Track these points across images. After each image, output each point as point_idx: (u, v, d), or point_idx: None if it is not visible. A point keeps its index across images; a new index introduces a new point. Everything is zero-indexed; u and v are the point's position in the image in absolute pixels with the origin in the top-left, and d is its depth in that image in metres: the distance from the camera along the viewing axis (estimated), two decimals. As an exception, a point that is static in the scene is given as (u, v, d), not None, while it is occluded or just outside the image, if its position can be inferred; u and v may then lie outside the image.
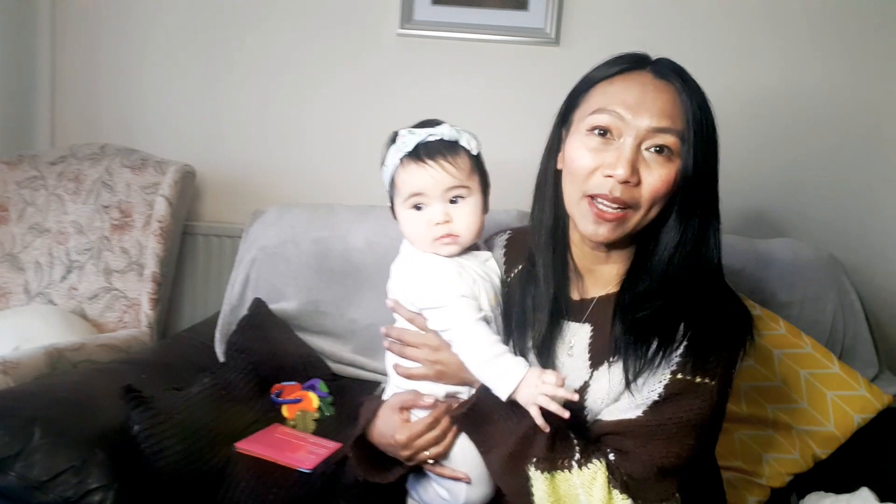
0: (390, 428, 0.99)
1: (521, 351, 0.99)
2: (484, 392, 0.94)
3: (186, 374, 1.45)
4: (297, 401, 1.40)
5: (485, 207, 1.02)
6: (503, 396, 0.90)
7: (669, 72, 0.93)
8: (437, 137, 0.98)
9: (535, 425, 0.89)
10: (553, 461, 0.89)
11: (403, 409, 1.00)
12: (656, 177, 0.89)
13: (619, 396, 0.93)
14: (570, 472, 0.88)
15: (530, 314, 1.00)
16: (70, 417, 1.15)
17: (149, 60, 2.00)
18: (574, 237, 1.01)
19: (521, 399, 0.89)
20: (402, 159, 0.99)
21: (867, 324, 1.61)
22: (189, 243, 2.00)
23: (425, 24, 1.90)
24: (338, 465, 1.21)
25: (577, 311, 1.00)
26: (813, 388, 1.39)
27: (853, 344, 1.58)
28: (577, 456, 0.89)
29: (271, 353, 1.52)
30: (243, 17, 1.96)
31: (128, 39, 1.99)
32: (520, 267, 1.07)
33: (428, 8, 1.89)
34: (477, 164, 1.01)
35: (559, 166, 0.99)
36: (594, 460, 0.88)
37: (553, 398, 0.86)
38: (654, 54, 0.98)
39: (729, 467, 1.36)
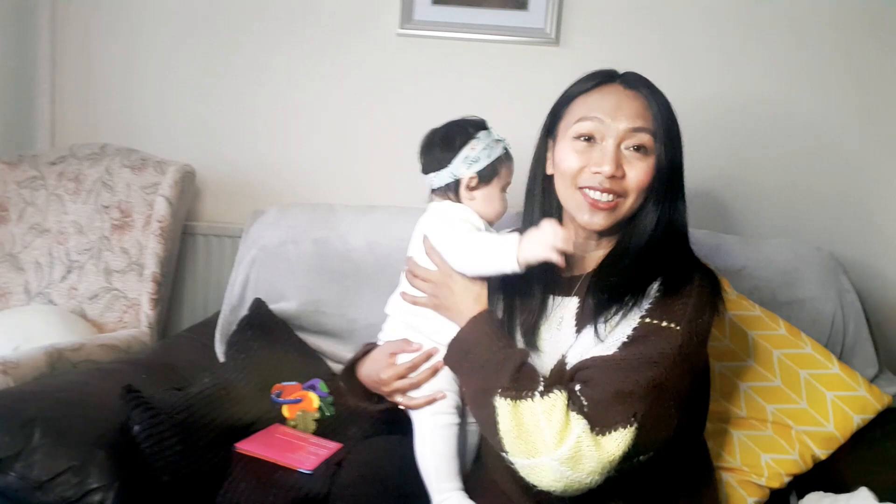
0: (378, 367, 1.18)
1: (509, 330, 1.13)
2: (466, 329, 1.08)
3: (186, 374, 1.45)
4: (298, 401, 1.40)
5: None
6: (513, 263, 1.03)
7: (637, 83, 1.08)
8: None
9: (503, 359, 1.00)
10: (518, 391, 0.97)
11: (393, 354, 1.17)
12: (639, 170, 1.04)
13: (591, 347, 1.02)
14: (532, 400, 0.95)
15: (519, 302, 1.14)
16: (70, 417, 1.15)
17: (149, 60, 2.00)
18: (568, 230, 1.12)
19: (532, 255, 1.01)
20: (504, 154, 1.21)
21: (867, 324, 1.61)
22: (189, 243, 2.00)
23: (425, 24, 1.90)
24: (338, 466, 1.21)
25: (567, 286, 1.12)
26: (813, 389, 1.39)
27: (853, 344, 1.58)
28: (541, 387, 0.96)
29: (271, 353, 1.52)
30: (243, 17, 1.96)
31: (128, 39, 1.99)
32: None
33: (428, 8, 1.89)
34: None
35: (549, 172, 1.14)
36: (555, 391, 0.96)
37: (555, 248, 0.99)
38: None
39: (728, 468, 1.36)
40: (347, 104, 1.96)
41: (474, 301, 1.10)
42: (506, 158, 1.21)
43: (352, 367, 1.27)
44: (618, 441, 0.91)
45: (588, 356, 0.99)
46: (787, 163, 1.89)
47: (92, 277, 1.80)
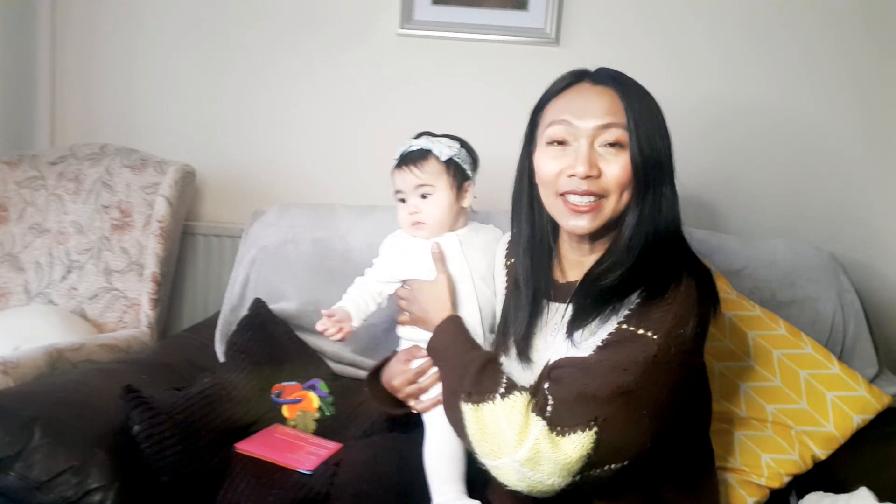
0: (392, 374, 1.25)
1: (503, 337, 1.14)
2: (434, 338, 1.15)
3: (186, 374, 1.45)
4: (298, 401, 1.40)
5: (459, 199, 1.26)
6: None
7: (605, 78, 1.06)
8: (415, 148, 1.26)
9: (466, 363, 1.04)
10: (480, 394, 0.99)
11: (407, 361, 1.23)
12: (615, 167, 1.01)
13: (566, 352, 1.02)
14: (493, 402, 0.97)
15: (512, 312, 1.14)
16: (70, 417, 1.15)
17: (149, 60, 2.00)
18: (563, 236, 1.13)
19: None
20: (393, 167, 1.29)
21: (867, 324, 1.61)
22: (189, 243, 2.00)
23: (425, 24, 1.90)
24: (337, 466, 1.21)
25: (563, 293, 1.10)
26: (812, 389, 1.39)
27: (853, 344, 1.58)
28: (502, 389, 0.98)
29: (271, 353, 1.52)
30: (243, 17, 1.96)
31: (128, 39, 1.99)
32: (513, 261, 1.20)
33: (428, 8, 1.89)
34: (448, 166, 1.25)
35: (536, 180, 1.11)
36: (516, 392, 0.97)
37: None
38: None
39: (728, 468, 1.36)
40: (347, 104, 1.97)
41: (441, 309, 1.17)
42: (394, 169, 1.29)
43: (376, 373, 1.31)
44: (575, 444, 0.90)
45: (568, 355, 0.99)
46: (788, 163, 1.89)
47: (92, 277, 1.80)
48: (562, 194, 1.03)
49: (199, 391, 1.30)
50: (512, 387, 0.98)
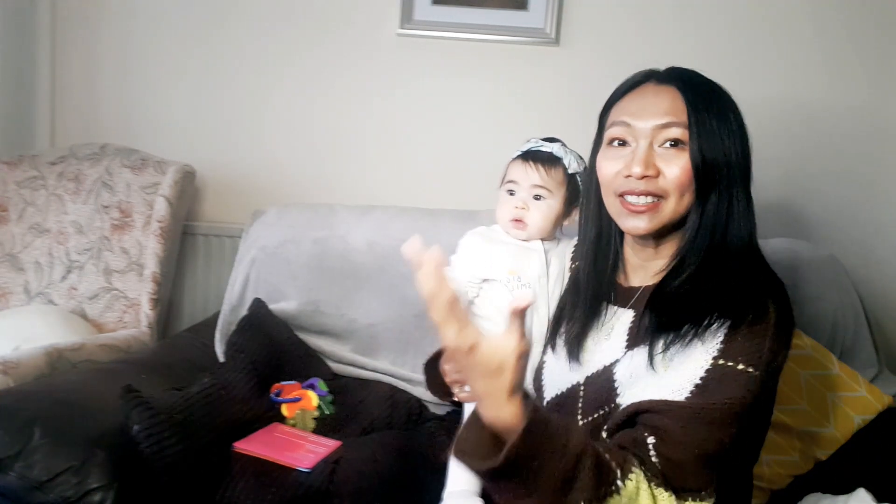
0: (447, 357, 1.15)
1: (553, 336, 1.12)
2: (519, 445, 0.75)
3: (186, 374, 1.45)
4: (297, 399, 1.40)
5: (564, 216, 1.25)
6: None
7: (670, 76, 1.03)
8: (547, 150, 1.24)
9: (567, 467, 0.78)
10: (600, 499, 0.80)
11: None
12: (675, 167, 0.96)
13: (643, 375, 0.94)
14: (618, 494, 0.82)
15: (568, 311, 1.11)
16: (70, 417, 1.15)
17: (149, 60, 2.00)
18: (628, 239, 1.09)
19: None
20: (514, 158, 1.26)
21: (867, 324, 1.61)
22: (189, 243, 2.00)
23: (425, 24, 1.90)
24: (336, 464, 1.21)
25: (624, 297, 1.06)
26: (813, 390, 1.39)
27: (853, 344, 1.58)
28: (619, 472, 0.83)
29: (271, 353, 1.52)
30: (243, 17, 1.96)
31: (128, 39, 1.99)
32: (577, 263, 1.19)
33: (428, 8, 1.89)
34: (570, 181, 1.23)
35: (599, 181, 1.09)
36: (632, 469, 0.84)
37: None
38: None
39: (729, 468, 1.36)
40: (347, 104, 1.97)
41: (500, 389, 0.75)
42: (515, 160, 1.24)
43: (437, 357, 1.22)
44: None
45: (656, 397, 0.90)
46: (788, 162, 1.89)
47: (92, 277, 1.80)
48: (620, 195, 1.00)
49: (198, 391, 1.30)
50: (622, 463, 0.83)
